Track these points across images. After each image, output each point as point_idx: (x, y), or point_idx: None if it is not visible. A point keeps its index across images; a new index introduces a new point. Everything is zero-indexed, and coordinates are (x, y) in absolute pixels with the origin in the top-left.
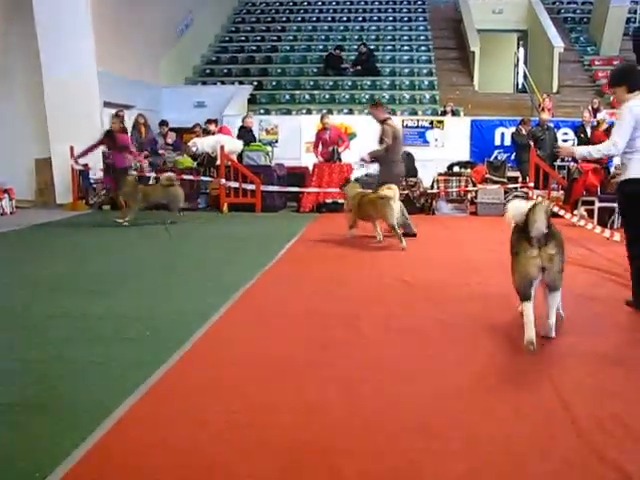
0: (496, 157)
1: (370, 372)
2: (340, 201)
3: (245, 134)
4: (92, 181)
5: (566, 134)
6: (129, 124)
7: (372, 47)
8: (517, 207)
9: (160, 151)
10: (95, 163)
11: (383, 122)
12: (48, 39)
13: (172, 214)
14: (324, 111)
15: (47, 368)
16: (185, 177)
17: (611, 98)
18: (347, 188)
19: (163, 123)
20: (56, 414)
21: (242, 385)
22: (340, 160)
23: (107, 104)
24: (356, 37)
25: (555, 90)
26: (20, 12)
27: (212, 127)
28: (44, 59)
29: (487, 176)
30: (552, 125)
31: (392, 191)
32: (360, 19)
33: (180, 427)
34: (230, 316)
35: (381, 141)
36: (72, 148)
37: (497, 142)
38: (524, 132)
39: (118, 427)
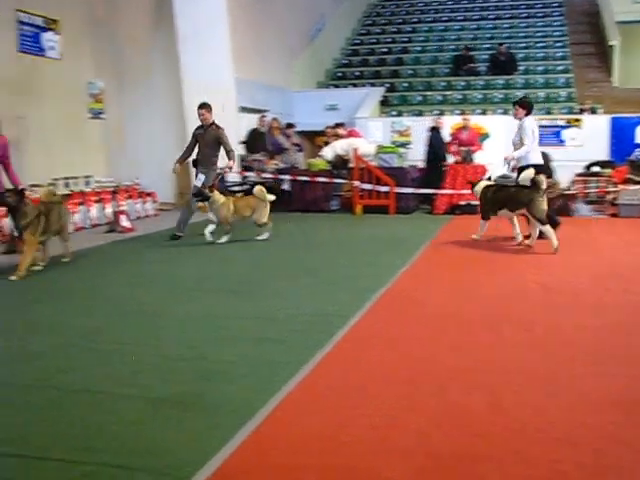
0: (637, 156)
1: (513, 377)
2: (474, 203)
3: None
4: (229, 184)
5: None
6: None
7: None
8: None
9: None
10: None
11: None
12: (188, 47)
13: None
14: (457, 112)
15: (192, 366)
16: (318, 179)
17: None
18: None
19: (289, 125)
20: (204, 411)
21: (383, 387)
22: (472, 161)
23: (243, 109)
24: (488, 36)
25: None
26: (164, 21)
27: (341, 131)
28: (184, 66)
29: (629, 176)
30: None
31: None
32: (492, 17)
33: (322, 428)
34: (370, 318)
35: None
36: None
37: (638, 140)
38: None
39: (263, 426)
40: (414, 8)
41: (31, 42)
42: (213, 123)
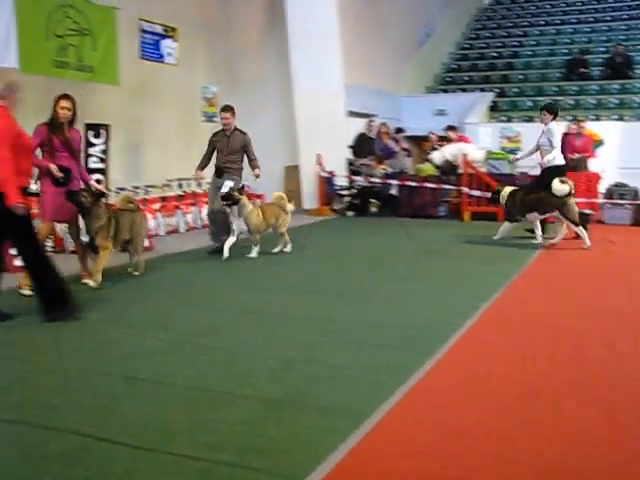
0: None
1: (631, 394)
2: (587, 211)
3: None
4: (337, 188)
5: None
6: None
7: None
8: None
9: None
10: (339, 170)
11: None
12: (299, 52)
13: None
14: (569, 118)
15: (305, 368)
16: (427, 185)
17: None
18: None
19: (399, 130)
20: (317, 413)
21: (494, 399)
22: (586, 169)
23: (352, 113)
24: (603, 38)
25: None
26: (276, 27)
27: (452, 134)
28: (295, 71)
29: None
30: None
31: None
32: (608, 18)
33: (435, 435)
34: (480, 327)
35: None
36: (319, 156)
37: None
38: None
39: (376, 430)
40: (525, 11)
41: (152, 49)
42: (236, 128)
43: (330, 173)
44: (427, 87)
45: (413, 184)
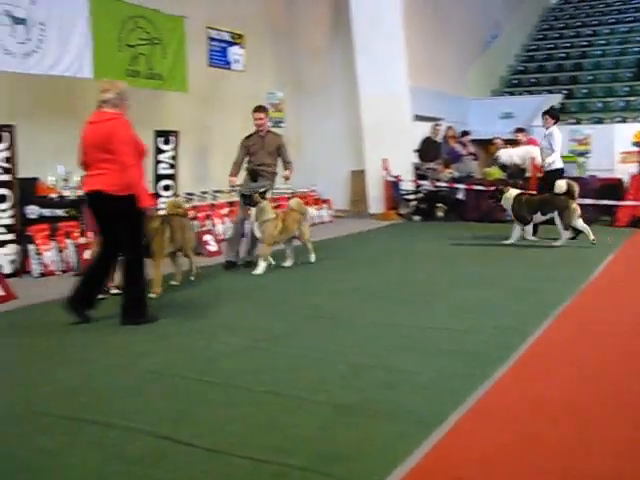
0: None
1: None
2: None
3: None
4: (403, 192)
5: None
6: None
7: None
8: None
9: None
10: (405, 174)
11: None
12: (365, 56)
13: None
14: None
15: (375, 374)
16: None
17: None
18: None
19: (465, 133)
20: (389, 420)
21: (571, 408)
22: None
23: (417, 117)
24: None
25: None
26: (341, 33)
27: (521, 136)
28: (360, 76)
29: None
30: None
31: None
32: None
33: (506, 444)
34: (551, 334)
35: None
36: (385, 160)
37: None
38: None
39: (448, 438)
40: (594, 10)
41: (219, 56)
42: (269, 130)
43: (396, 177)
44: (493, 90)
45: (480, 188)
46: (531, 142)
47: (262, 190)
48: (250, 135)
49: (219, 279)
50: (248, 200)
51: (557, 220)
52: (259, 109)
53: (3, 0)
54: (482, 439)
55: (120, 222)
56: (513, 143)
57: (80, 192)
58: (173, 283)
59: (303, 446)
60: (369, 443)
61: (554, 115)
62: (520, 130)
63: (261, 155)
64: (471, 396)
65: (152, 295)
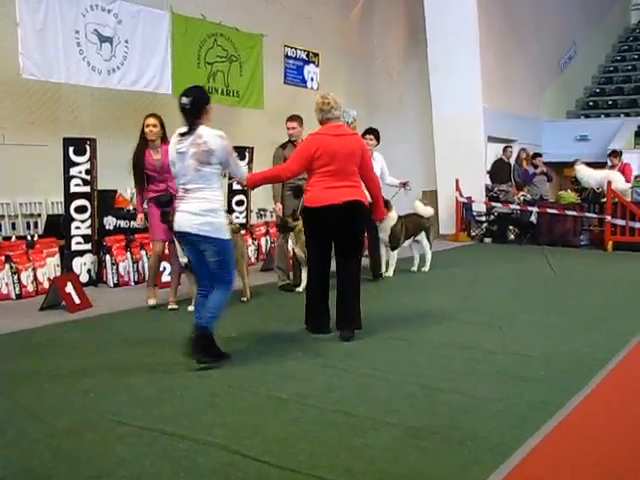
0: None
1: None
2: None
3: None
4: (475, 213)
5: None
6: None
7: None
8: None
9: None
10: (477, 196)
11: None
12: (439, 78)
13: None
14: None
15: (447, 398)
16: (568, 213)
17: None
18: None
19: (537, 155)
20: (461, 445)
21: None
22: None
23: (490, 138)
24: None
25: None
26: (415, 54)
27: (614, 160)
28: (434, 97)
29: None
30: None
31: None
32: None
33: (583, 474)
34: (630, 363)
35: None
36: (457, 181)
37: None
38: None
39: (522, 466)
40: None
41: (295, 74)
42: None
43: (468, 199)
44: (569, 112)
45: (553, 211)
46: (626, 168)
47: (291, 213)
48: (284, 145)
49: (277, 298)
50: (284, 228)
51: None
52: (292, 118)
53: (92, 19)
54: (557, 470)
55: (355, 234)
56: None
57: None
58: (242, 299)
59: (373, 468)
60: (441, 469)
61: None
62: (614, 153)
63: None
64: (545, 425)
65: (190, 308)
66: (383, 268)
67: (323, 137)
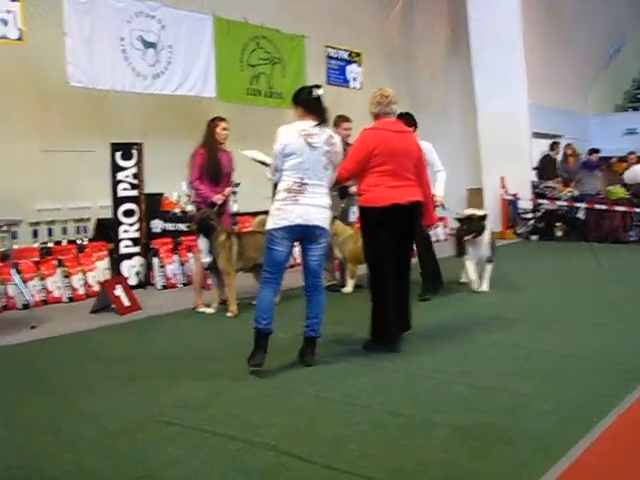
0: None
1: None
2: None
3: None
4: (521, 211)
5: None
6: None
7: None
8: None
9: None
10: (523, 193)
11: None
12: (483, 75)
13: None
14: None
15: (495, 397)
16: (617, 208)
17: None
18: None
19: (593, 151)
20: (510, 446)
21: None
22: None
23: (536, 134)
24: None
25: None
26: (458, 52)
27: None
28: (478, 95)
29: None
30: None
31: None
32: None
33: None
34: None
35: None
36: (503, 179)
37: None
38: None
39: (572, 469)
40: None
41: (337, 74)
42: (349, 143)
43: (514, 196)
44: (617, 105)
45: (602, 207)
46: None
47: (340, 212)
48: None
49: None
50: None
51: None
52: (347, 119)
53: (137, 26)
54: (611, 471)
55: (413, 235)
56: None
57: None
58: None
59: (423, 469)
60: (490, 470)
61: None
62: None
63: None
64: (598, 425)
65: (229, 314)
66: (477, 283)
67: (382, 133)
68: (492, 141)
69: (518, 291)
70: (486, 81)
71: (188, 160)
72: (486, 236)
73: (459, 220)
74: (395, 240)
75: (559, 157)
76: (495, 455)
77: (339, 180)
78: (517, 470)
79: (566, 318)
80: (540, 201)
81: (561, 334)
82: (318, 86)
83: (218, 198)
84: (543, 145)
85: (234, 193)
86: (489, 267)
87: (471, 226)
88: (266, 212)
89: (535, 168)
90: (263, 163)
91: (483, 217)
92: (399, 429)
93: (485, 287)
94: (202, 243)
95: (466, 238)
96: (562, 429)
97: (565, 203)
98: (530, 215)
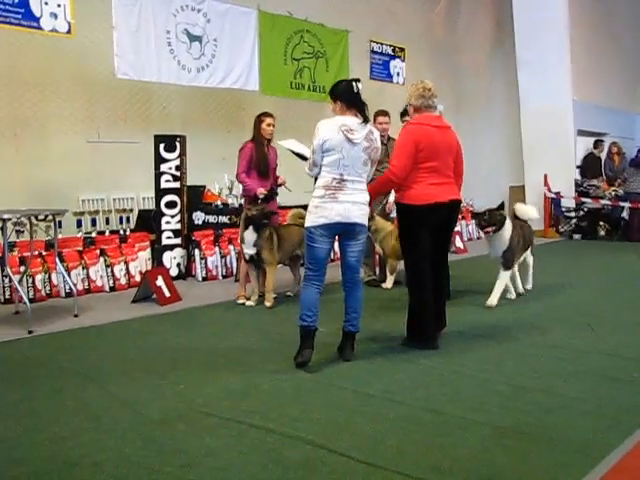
0: None
1: None
2: None
3: None
4: (564, 209)
5: None
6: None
7: None
8: None
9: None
10: (566, 191)
11: None
12: (527, 71)
13: None
14: None
15: (535, 398)
16: None
17: None
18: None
19: None
20: (549, 446)
21: None
22: None
23: (580, 132)
24: None
25: None
26: (503, 48)
27: None
28: (522, 91)
29: None
30: None
31: None
32: None
33: None
34: None
35: None
36: (546, 176)
37: None
38: None
39: (613, 472)
40: None
41: (381, 69)
42: (390, 136)
43: (557, 194)
44: None
45: None
46: None
47: (380, 209)
48: None
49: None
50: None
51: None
52: (384, 113)
53: (183, 19)
54: None
55: (451, 234)
56: None
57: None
58: (289, 294)
59: (460, 467)
60: (528, 470)
61: None
62: None
63: (385, 163)
64: (639, 429)
65: (267, 304)
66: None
67: (425, 128)
68: (535, 138)
69: (558, 290)
70: (530, 77)
71: (237, 153)
72: (506, 233)
73: (476, 214)
74: (433, 238)
75: (603, 155)
76: (533, 455)
77: (394, 182)
78: (555, 471)
79: (608, 318)
80: (583, 200)
81: (602, 334)
82: (358, 80)
83: (261, 192)
84: (587, 143)
85: (275, 193)
86: (504, 275)
87: (491, 217)
88: (304, 206)
89: (579, 166)
90: (300, 155)
91: (501, 206)
92: (436, 426)
93: (492, 301)
94: (249, 235)
95: (487, 230)
96: (602, 431)
97: (609, 202)
98: (573, 214)
